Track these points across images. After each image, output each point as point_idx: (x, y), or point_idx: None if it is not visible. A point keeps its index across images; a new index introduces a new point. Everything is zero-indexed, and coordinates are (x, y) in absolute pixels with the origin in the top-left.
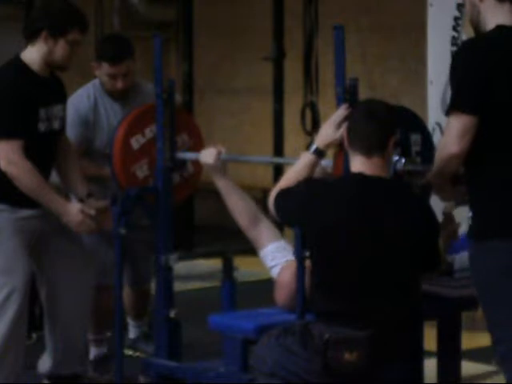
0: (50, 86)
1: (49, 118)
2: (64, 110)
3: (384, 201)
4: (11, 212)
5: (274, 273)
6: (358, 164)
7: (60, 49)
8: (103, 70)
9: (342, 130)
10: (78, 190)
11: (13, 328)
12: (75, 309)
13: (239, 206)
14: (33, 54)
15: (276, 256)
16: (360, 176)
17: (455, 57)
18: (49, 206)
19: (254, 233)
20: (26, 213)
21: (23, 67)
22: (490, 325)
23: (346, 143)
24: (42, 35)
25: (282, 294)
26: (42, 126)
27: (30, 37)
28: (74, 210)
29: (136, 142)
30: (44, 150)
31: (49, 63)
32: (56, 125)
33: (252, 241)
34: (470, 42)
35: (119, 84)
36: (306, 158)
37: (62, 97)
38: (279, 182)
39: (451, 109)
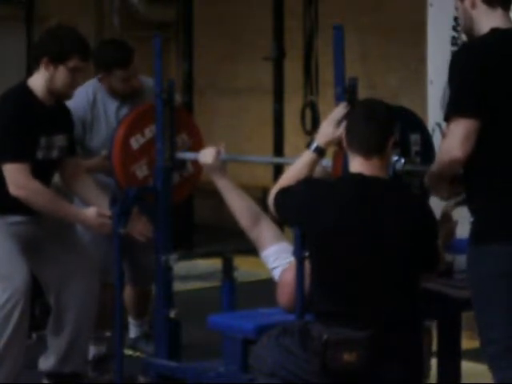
0: (54, 115)
1: (48, 146)
2: (66, 139)
3: (383, 201)
4: (1, 218)
5: (276, 274)
6: (357, 165)
7: (60, 76)
8: (116, 75)
9: (342, 128)
10: (103, 207)
11: (16, 330)
12: (83, 313)
13: (240, 206)
14: (37, 81)
15: (279, 257)
16: (359, 177)
17: (453, 61)
18: (66, 218)
19: (256, 233)
20: (17, 218)
21: (28, 93)
22: (481, 326)
23: (344, 144)
24: (43, 61)
25: (285, 294)
26: (39, 154)
27: (35, 63)
28: (91, 215)
29: (136, 142)
30: (38, 178)
31: (51, 90)
32: (54, 154)
33: (253, 241)
34: (466, 45)
35: (134, 83)
36: (306, 157)
37: (65, 127)
38: (279, 181)
39: (453, 114)
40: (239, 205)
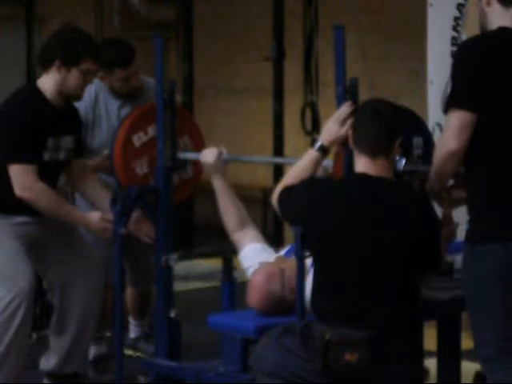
0: (62, 117)
1: (56, 148)
2: (74, 141)
3: (386, 202)
4: (6, 218)
5: (249, 274)
6: (363, 164)
7: (73, 78)
8: (116, 75)
9: (347, 127)
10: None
11: (19, 331)
12: (86, 313)
13: (229, 210)
14: (47, 83)
15: (252, 257)
16: (364, 177)
17: (456, 55)
18: (70, 222)
19: (238, 236)
20: (22, 219)
21: (37, 94)
22: (476, 327)
23: (350, 143)
24: (55, 64)
25: (254, 296)
26: (46, 155)
27: (44, 65)
28: (95, 219)
29: (138, 140)
30: (45, 179)
31: (62, 92)
32: (61, 156)
33: (235, 243)
34: (470, 40)
35: (134, 82)
36: (310, 155)
37: (74, 128)
38: (283, 179)
39: (450, 106)
40: (229, 208)
